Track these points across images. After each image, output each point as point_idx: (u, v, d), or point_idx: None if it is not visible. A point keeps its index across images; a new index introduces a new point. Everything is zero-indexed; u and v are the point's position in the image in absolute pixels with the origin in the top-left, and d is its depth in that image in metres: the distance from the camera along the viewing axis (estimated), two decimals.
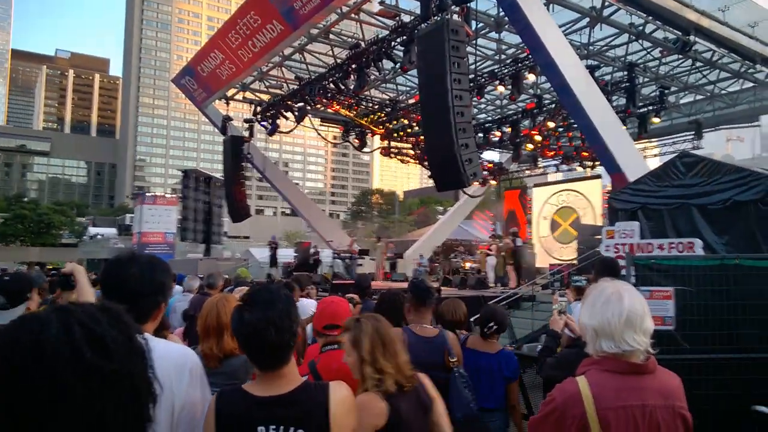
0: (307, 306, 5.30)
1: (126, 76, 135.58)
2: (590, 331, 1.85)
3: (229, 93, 21.07)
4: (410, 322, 3.68)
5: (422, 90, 11.75)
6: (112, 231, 51.10)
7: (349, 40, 16.58)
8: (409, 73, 16.11)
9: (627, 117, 15.85)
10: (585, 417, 1.76)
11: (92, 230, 54.45)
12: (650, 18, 14.14)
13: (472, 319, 5.16)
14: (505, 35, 15.90)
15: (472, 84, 13.99)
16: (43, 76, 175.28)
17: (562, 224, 20.65)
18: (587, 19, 14.40)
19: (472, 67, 15.61)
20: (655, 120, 17.43)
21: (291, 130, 20.79)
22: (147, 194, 40.29)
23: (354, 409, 1.88)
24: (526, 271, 15.94)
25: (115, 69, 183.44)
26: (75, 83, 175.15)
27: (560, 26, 12.84)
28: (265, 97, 21.10)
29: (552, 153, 23.08)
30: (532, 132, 19.19)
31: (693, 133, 20.31)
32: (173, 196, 39.60)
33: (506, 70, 15.49)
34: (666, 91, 17.34)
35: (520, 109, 19.39)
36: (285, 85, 19.91)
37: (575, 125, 16.73)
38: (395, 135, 21.99)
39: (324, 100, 18.29)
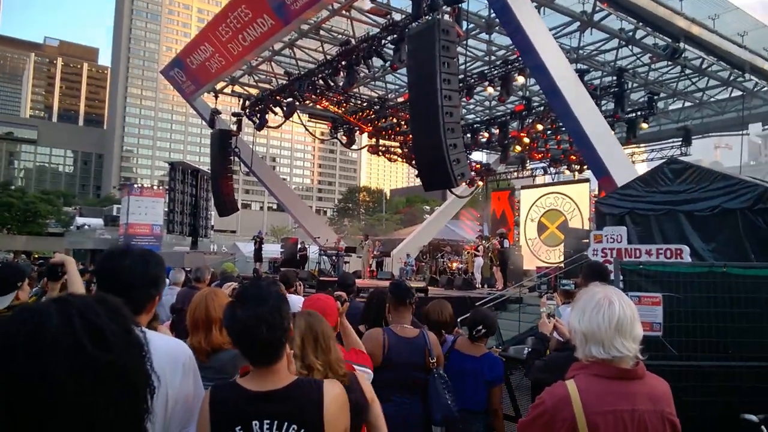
0: (294, 302, 5.22)
1: (115, 66, 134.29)
2: (580, 335, 1.85)
3: (218, 86, 20.98)
4: (391, 322, 3.67)
5: (411, 89, 11.73)
6: (98, 221, 50.52)
7: (340, 36, 16.52)
8: (398, 71, 16.08)
9: (615, 122, 15.93)
10: (574, 421, 1.76)
11: (79, 220, 53.80)
12: (640, 24, 14.21)
13: (459, 319, 5.15)
14: (496, 37, 15.90)
15: (461, 84, 13.99)
16: (31, 64, 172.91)
17: (550, 227, 20.72)
18: (578, 23, 14.44)
19: (462, 67, 15.60)
20: (644, 125, 17.55)
21: (279, 125, 20.69)
22: (134, 185, 39.90)
23: (347, 407, 1.89)
24: (512, 273, 15.97)
25: (104, 59, 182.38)
26: (63, 72, 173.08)
27: (551, 29, 12.85)
28: (254, 92, 20.98)
29: (540, 155, 23.16)
30: (521, 134, 19.23)
31: (681, 139, 20.49)
32: (160, 188, 39.27)
33: (496, 72, 15.51)
34: (655, 97, 17.44)
35: (508, 111, 19.44)
36: (274, 79, 19.82)
37: (564, 128, 16.78)
38: (383, 133, 21.95)
39: (313, 96, 18.22)
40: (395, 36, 13.13)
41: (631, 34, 14.84)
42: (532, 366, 3.44)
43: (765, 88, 17.72)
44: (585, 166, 20.61)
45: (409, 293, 3.70)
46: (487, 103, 21.98)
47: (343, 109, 20.22)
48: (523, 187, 23.99)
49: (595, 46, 16.17)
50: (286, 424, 1.76)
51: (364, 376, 2.72)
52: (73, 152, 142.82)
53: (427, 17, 11.28)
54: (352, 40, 15.18)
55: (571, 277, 7.06)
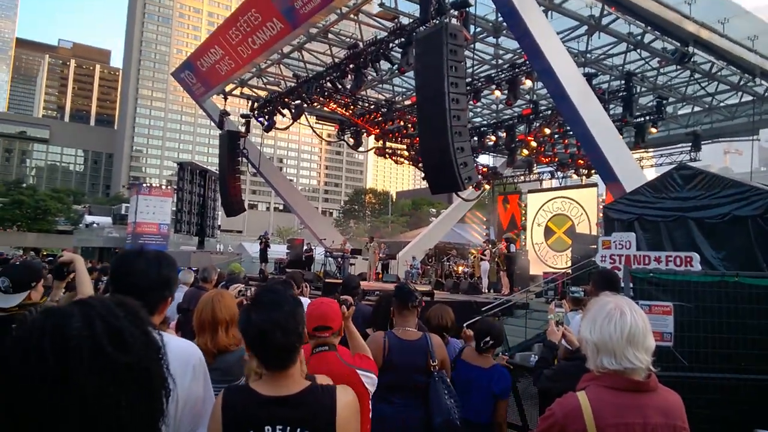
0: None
1: (126, 67, 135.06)
2: (591, 346, 1.82)
3: (227, 88, 21.10)
4: (395, 326, 3.65)
5: (419, 92, 11.72)
6: (107, 220, 50.82)
7: (348, 40, 16.56)
8: (405, 74, 16.07)
9: (624, 126, 15.83)
10: None
11: (88, 218, 54.15)
12: (649, 28, 14.13)
13: (466, 324, 5.12)
14: (503, 40, 15.87)
15: (468, 88, 13.96)
16: (45, 65, 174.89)
17: (557, 232, 20.59)
18: (585, 27, 14.38)
19: (470, 70, 15.59)
20: (653, 130, 17.41)
21: (287, 127, 20.76)
22: (143, 185, 40.09)
23: (359, 414, 1.90)
24: (519, 278, 15.87)
25: (116, 60, 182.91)
26: (76, 73, 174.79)
27: (558, 33, 12.82)
28: (263, 94, 21.10)
29: (547, 159, 23.06)
30: (528, 137, 19.15)
31: (690, 144, 20.30)
32: (168, 187, 39.44)
33: (503, 75, 15.47)
34: (664, 102, 17.30)
35: (516, 114, 19.37)
36: (283, 82, 19.90)
37: (571, 132, 16.70)
38: (390, 136, 21.95)
39: (321, 99, 18.27)
40: (403, 39, 13.13)
41: (639, 38, 14.76)
42: (541, 375, 3.41)
43: None
44: (593, 171, 20.52)
45: (413, 297, 3.67)
46: (494, 107, 21.94)
47: (350, 111, 20.24)
48: (530, 191, 23.87)
49: (603, 50, 16.10)
50: (298, 429, 1.75)
51: (368, 380, 2.70)
52: (83, 151, 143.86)
53: (434, 21, 11.30)
54: (360, 44, 15.20)
55: (579, 283, 7.01)
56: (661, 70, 16.95)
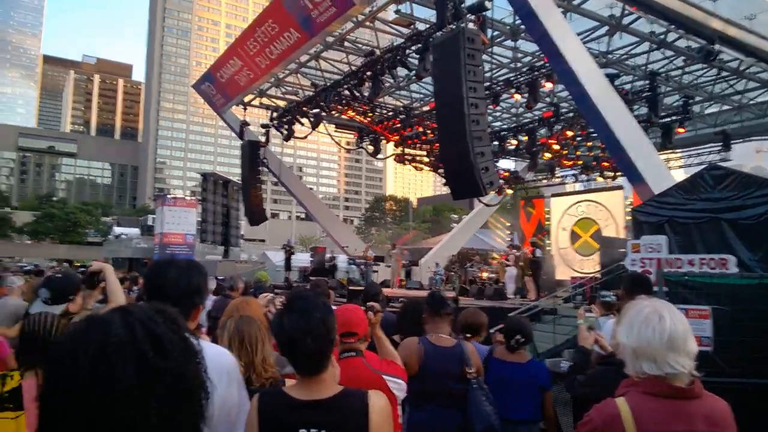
0: None
1: (148, 81, 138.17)
2: (629, 351, 1.77)
3: (247, 98, 21.32)
4: (427, 332, 3.66)
5: (437, 98, 11.67)
6: (135, 231, 51.85)
7: (365, 47, 16.65)
8: (423, 80, 16.03)
9: (649, 127, 15.51)
10: None
11: (117, 230, 55.36)
12: (672, 26, 13.82)
13: (492, 330, 5.05)
14: (521, 43, 15.70)
15: (487, 92, 13.85)
16: (71, 81, 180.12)
17: (583, 236, 20.24)
18: (606, 27, 14.15)
19: (488, 75, 15.46)
20: (680, 130, 17.01)
21: (306, 136, 20.90)
22: (167, 196, 40.69)
23: (391, 419, 1.92)
24: (545, 283, 15.61)
25: (138, 74, 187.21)
26: (100, 88, 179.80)
27: (578, 34, 12.64)
28: (282, 103, 21.30)
29: (570, 162, 22.73)
30: (550, 141, 18.90)
31: (720, 144, 19.79)
32: (192, 198, 39.97)
33: (522, 79, 15.31)
34: (690, 101, 16.91)
35: (536, 118, 19.15)
36: (301, 91, 20.04)
37: (594, 134, 16.43)
38: (409, 142, 21.92)
39: (339, 107, 18.37)
40: (420, 45, 13.11)
41: (662, 37, 14.46)
42: (575, 380, 3.36)
43: None
44: (618, 173, 20.16)
45: (445, 304, 3.71)
46: (514, 110, 21.73)
47: (368, 118, 20.28)
48: (553, 195, 23.57)
49: (625, 50, 15.81)
50: None
51: (394, 386, 2.71)
52: (110, 165, 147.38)
53: (451, 26, 11.23)
54: (377, 51, 15.25)
55: (609, 288, 6.83)
56: (687, 69, 16.57)
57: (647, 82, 15.72)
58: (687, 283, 4.23)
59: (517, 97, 15.57)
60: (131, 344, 0.86)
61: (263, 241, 74.82)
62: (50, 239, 69.32)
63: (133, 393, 0.82)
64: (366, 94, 15.77)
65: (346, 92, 16.47)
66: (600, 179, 23.07)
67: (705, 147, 21.10)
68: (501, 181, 21.65)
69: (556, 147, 19.29)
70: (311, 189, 36.23)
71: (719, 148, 19.86)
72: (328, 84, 17.42)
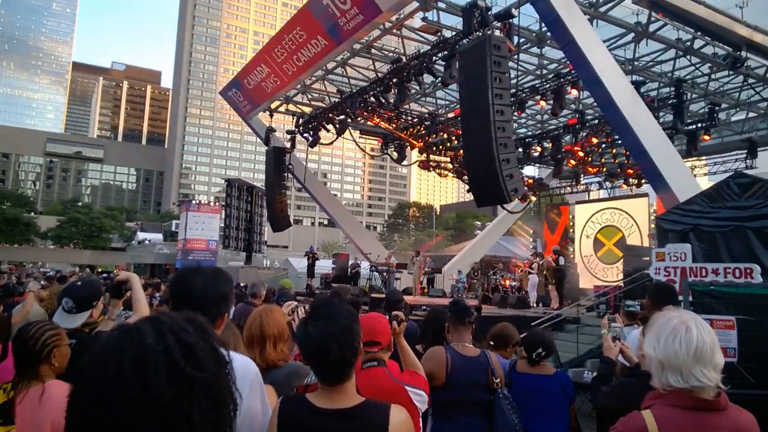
0: None
1: (176, 87, 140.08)
2: (656, 363, 1.76)
3: (273, 105, 21.54)
4: (450, 341, 3.61)
5: (463, 104, 11.69)
6: (158, 236, 52.43)
7: (391, 54, 16.75)
8: (449, 87, 16.09)
9: (675, 134, 15.36)
10: None
11: (140, 235, 56.01)
12: (698, 33, 13.73)
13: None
14: (547, 50, 15.73)
15: (513, 99, 13.86)
16: (100, 87, 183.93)
17: (606, 244, 20.05)
18: (632, 35, 14.10)
19: (514, 81, 15.46)
20: (705, 138, 16.78)
21: (332, 142, 21.05)
22: (192, 202, 41.21)
23: None
24: (568, 292, 15.51)
25: (166, 81, 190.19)
26: (128, 94, 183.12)
27: (604, 41, 12.60)
28: (308, 110, 21.47)
29: (595, 169, 22.56)
30: (575, 148, 18.81)
31: (746, 151, 19.48)
32: (216, 204, 40.45)
33: (548, 85, 15.27)
34: (716, 108, 16.69)
35: (561, 124, 19.07)
36: (327, 98, 20.21)
37: (619, 141, 16.31)
38: (434, 148, 21.96)
39: (364, 113, 18.47)
40: (446, 53, 13.18)
41: (688, 44, 14.37)
42: (599, 392, 3.32)
43: None
44: (643, 180, 19.95)
45: (468, 312, 3.65)
46: (539, 117, 21.67)
47: (394, 125, 20.37)
48: (577, 202, 23.38)
49: (651, 57, 15.73)
50: None
51: (417, 398, 2.67)
52: (135, 170, 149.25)
53: (477, 33, 11.28)
54: (403, 58, 15.35)
55: (633, 297, 6.82)
56: (713, 76, 16.40)
57: (673, 89, 15.57)
58: (712, 293, 4.23)
59: (543, 103, 15.51)
60: (163, 353, 0.86)
61: (286, 247, 75.34)
62: (74, 244, 69.51)
63: (164, 401, 0.83)
64: (392, 100, 15.84)
65: (372, 99, 16.58)
66: (625, 186, 22.84)
67: (731, 155, 20.76)
68: (525, 189, 21.60)
69: (581, 154, 19.17)
70: (335, 195, 36.32)
71: (745, 155, 19.55)
72: (354, 90, 17.55)
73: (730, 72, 15.35)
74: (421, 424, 2.81)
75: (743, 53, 13.42)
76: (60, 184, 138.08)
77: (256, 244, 29.05)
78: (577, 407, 4.41)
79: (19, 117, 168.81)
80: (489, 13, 11.50)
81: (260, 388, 1.92)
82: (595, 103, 15.70)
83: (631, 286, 10.17)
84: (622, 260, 15.81)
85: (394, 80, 15.08)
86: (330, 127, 19.89)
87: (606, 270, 19.54)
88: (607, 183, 23.72)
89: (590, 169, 22.44)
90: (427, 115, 20.49)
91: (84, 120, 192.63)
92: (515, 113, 16.27)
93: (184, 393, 0.85)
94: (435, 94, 19.78)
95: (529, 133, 21.98)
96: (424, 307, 10.33)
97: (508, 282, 19.07)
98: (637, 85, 13.78)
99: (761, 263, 6.13)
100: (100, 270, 46.79)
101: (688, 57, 15.00)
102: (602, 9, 13.08)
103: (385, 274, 19.23)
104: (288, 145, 22.31)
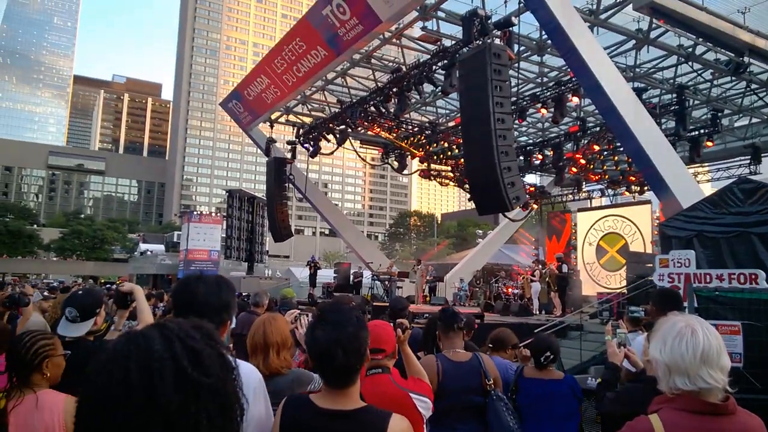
0: None
1: (176, 99, 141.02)
2: (662, 367, 1.75)
3: (273, 116, 21.64)
4: (442, 348, 3.65)
5: (463, 113, 11.71)
6: (160, 247, 52.69)
7: (391, 64, 16.83)
8: (449, 96, 16.13)
9: (678, 141, 15.34)
10: None
11: (142, 246, 56.24)
12: (700, 39, 13.74)
13: (521, 345, 5.04)
14: (548, 58, 15.77)
15: (514, 107, 13.87)
16: (101, 100, 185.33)
17: (609, 251, 20.00)
18: (633, 42, 14.13)
19: (514, 90, 15.48)
20: (708, 144, 16.77)
21: (332, 152, 21.10)
22: (193, 213, 41.34)
23: None
24: (571, 299, 15.45)
25: (167, 93, 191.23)
26: (129, 106, 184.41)
27: (605, 48, 12.63)
28: (308, 120, 21.55)
29: (597, 177, 22.55)
30: (576, 155, 18.81)
31: (749, 157, 19.45)
32: (218, 214, 40.54)
33: (549, 93, 15.30)
34: (719, 114, 16.67)
35: (562, 132, 19.09)
36: (327, 108, 20.27)
37: (621, 149, 16.30)
38: (435, 157, 21.99)
39: (365, 123, 18.51)
40: (446, 61, 13.22)
41: (690, 50, 14.39)
42: (604, 397, 3.31)
43: None
44: (645, 187, 19.92)
45: (457, 318, 3.68)
46: (540, 125, 21.70)
47: (394, 134, 20.41)
48: (579, 210, 23.35)
49: (652, 64, 15.76)
50: None
51: (421, 404, 2.67)
52: (137, 182, 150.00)
53: (477, 42, 11.32)
54: (403, 67, 15.41)
55: (637, 303, 6.76)
56: (715, 82, 16.42)
57: (675, 95, 15.59)
58: (718, 299, 4.19)
59: (544, 111, 15.52)
60: (170, 359, 0.87)
61: (287, 257, 75.30)
62: (77, 256, 70.14)
63: (171, 408, 0.83)
64: (392, 110, 15.88)
65: (372, 108, 16.63)
66: (627, 194, 22.81)
67: (734, 161, 20.74)
68: (527, 197, 21.58)
69: (583, 161, 19.16)
70: (336, 205, 36.36)
71: (749, 161, 19.52)
72: (354, 100, 17.63)
73: (733, 78, 15.38)
74: (425, 431, 2.79)
75: (746, 59, 13.44)
76: (62, 197, 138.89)
77: (257, 254, 29.09)
78: (582, 413, 4.39)
79: (22, 131, 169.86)
80: (489, 21, 11.54)
81: (264, 394, 1.96)
82: (597, 111, 15.72)
83: (635, 293, 10.11)
84: (625, 267, 15.74)
85: (394, 90, 15.12)
86: (330, 137, 19.97)
87: (609, 277, 19.47)
88: (610, 190, 23.71)
89: (592, 176, 22.43)
90: (427, 124, 20.54)
91: (85, 133, 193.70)
92: (516, 121, 16.31)
93: (192, 399, 0.85)
94: (435, 103, 19.84)
95: (530, 141, 22.02)
96: (427, 315, 10.28)
97: (510, 290, 19.01)
98: (638, 91, 13.80)
99: (766, 269, 6.08)
100: (103, 281, 46.80)
101: (690, 63, 15.04)
102: (603, 16, 13.13)
103: (386, 282, 19.18)
104: (289, 155, 22.40)
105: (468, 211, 76.20)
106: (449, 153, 21.13)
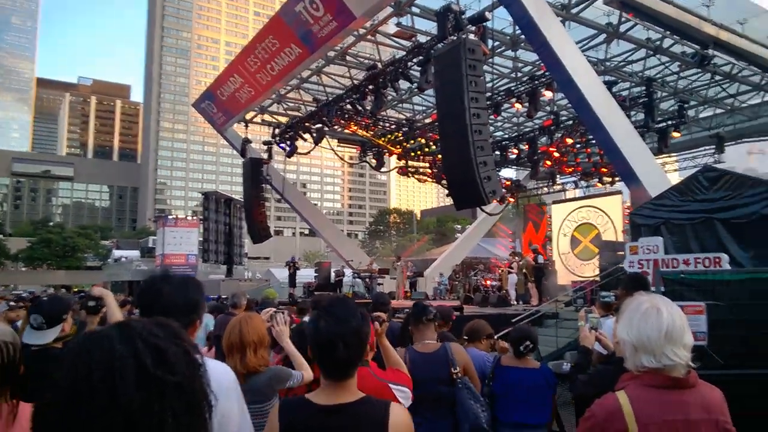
0: None
1: (147, 101, 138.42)
2: (629, 346, 1.82)
3: (248, 116, 21.41)
4: (414, 341, 3.73)
5: (439, 109, 11.82)
6: (135, 254, 51.88)
7: (366, 61, 16.79)
8: (425, 92, 16.24)
9: (646, 132, 15.74)
10: None
11: (116, 253, 55.29)
12: (668, 33, 14.12)
13: (498, 336, 5.16)
14: (521, 53, 15.96)
15: (488, 102, 14.04)
16: (66, 103, 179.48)
17: (583, 241, 20.45)
18: (604, 35, 14.42)
19: (489, 85, 15.70)
20: (675, 134, 17.23)
21: (309, 152, 21.02)
22: (168, 217, 40.82)
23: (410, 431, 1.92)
24: (548, 289, 15.77)
25: (136, 95, 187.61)
26: (97, 109, 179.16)
27: (576, 42, 12.86)
28: (284, 120, 21.39)
29: (570, 169, 22.98)
30: (550, 149, 19.13)
31: (714, 147, 20.08)
32: (194, 218, 40.09)
33: (523, 88, 15.52)
34: (685, 105, 17.15)
35: (537, 126, 19.40)
36: (303, 107, 20.20)
37: (593, 141, 16.65)
38: (412, 154, 22.11)
39: (341, 121, 18.51)
40: (421, 58, 13.27)
41: (658, 43, 14.74)
42: (577, 380, 3.43)
43: None
44: (617, 178, 20.38)
45: (426, 311, 3.76)
46: (515, 120, 21.98)
47: (371, 132, 20.46)
48: (554, 202, 23.77)
49: (622, 57, 16.09)
50: None
51: (401, 394, 2.71)
52: (108, 187, 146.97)
53: (452, 37, 11.42)
54: (379, 64, 15.41)
55: (608, 289, 6.99)
56: (682, 74, 16.87)
57: (644, 88, 15.96)
58: (683, 281, 4.40)
59: (518, 106, 15.72)
60: (131, 358, 0.85)
61: (267, 258, 74.76)
62: (47, 265, 68.19)
63: (133, 407, 0.82)
64: (368, 107, 15.91)
65: (349, 106, 16.62)
66: (599, 185, 23.30)
67: (699, 150, 21.42)
68: (503, 191, 21.87)
69: (557, 155, 19.51)
70: (315, 205, 36.26)
71: (713, 150, 20.15)
72: (330, 99, 17.56)
73: (699, 70, 15.81)
74: None
75: (710, 51, 13.83)
76: (29, 205, 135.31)
77: (236, 257, 28.89)
78: (557, 397, 4.56)
79: None
80: (463, 16, 11.65)
81: (237, 393, 1.90)
82: (569, 104, 16.00)
83: (607, 280, 10.36)
84: (598, 256, 16.10)
85: (370, 87, 15.13)
86: (307, 136, 19.88)
87: (583, 266, 19.90)
88: (583, 182, 24.17)
89: (566, 169, 22.86)
90: (404, 121, 20.63)
91: (52, 138, 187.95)
92: (491, 116, 16.55)
93: (155, 397, 0.84)
94: (412, 100, 19.92)
95: (506, 135, 22.29)
96: (407, 310, 10.42)
97: (488, 282, 19.26)
98: (609, 85, 14.10)
99: (729, 252, 6.36)
100: (76, 289, 45.89)
101: (658, 56, 15.40)
102: (574, 11, 13.33)
103: (367, 280, 19.27)
104: (265, 156, 22.21)
105: (447, 207, 76.78)
106: (426, 149, 21.28)
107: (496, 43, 14.99)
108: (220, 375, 1.79)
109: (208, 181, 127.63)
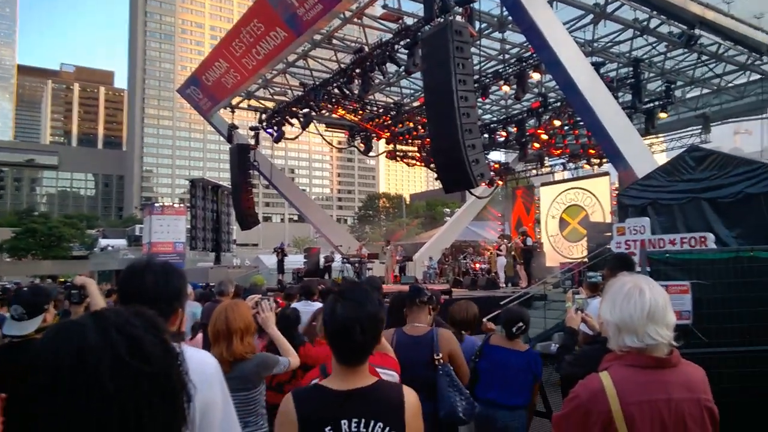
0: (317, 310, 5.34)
1: (131, 88, 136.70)
2: (612, 326, 1.83)
3: (234, 101, 21.21)
4: (407, 323, 3.69)
5: (427, 92, 11.77)
6: (122, 242, 51.61)
7: (353, 44, 16.65)
8: (413, 75, 16.12)
9: (634, 113, 15.78)
10: (610, 412, 1.74)
11: (103, 242, 54.96)
12: (654, 13, 14.11)
13: (488, 317, 5.17)
14: (509, 35, 15.89)
15: (476, 84, 13.98)
16: (49, 91, 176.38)
17: (571, 222, 20.56)
18: (591, 16, 14.38)
19: (477, 67, 15.61)
20: (662, 115, 17.28)
21: (296, 137, 20.89)
22: (155, 204, 40.49)
23: (421, 416, 1.94)
24: (536, 270, 15.88)
25: (120, 81, 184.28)
26: (80, 96, 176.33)
27: (564, 23, 12.82)
28: (270, 105, 21.19)
29: (558, 151, 23.03)
30: (538, 131, 19.14)
31: (700, 127, 20.19)
32: (181, 205, 39.80)
33: (510, 70, 15.46)
34: (672, 86, 17.17)
35: (525, 109, 19.38)
36: (289, 91, 20.01)
37: (581, 123, 16.68)
38: (400, 138, 22.03)
39: (329, 106, 18.38)
40: (408, 40, 13.18)
41: (645, 23, 14.73)
42: (563, 361, 3.43)
43: None
44: (604, 160, 20.48)
45: (420, 293, 3.73)
46: (503, 102, 21.95)
47: (359, 116, 20.33)
48: (542, 184, 23.86)
49: (609, 38, 16.09)
50: (372, 422, 1.80)
51: (388, 378, 2.67)
52: (93, 175, 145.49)
53: (439, 19, 11.32)
54: (366, 48, 15.28)
55: (596, 270, 7.05)
56: (669, 55, 16.90)
57: (631, 69, 15.97)
58: (668, 261, 4.42)
59: (506, 88, 15.65)
60: (106, 348, 0.84)
61: (256, 245, 74.63)
62: (32, 255, 67.08)
63: (108, 397, 0.81)
64: (356, 91, 15.79)
65: (336, 90, 16.50)
66: (587, 167, 23.40)
67: (686, 130, 21.55)
68: (492, 173, 21.91)
69: (545, 137, 19.52)
70: (304, 190, 36.12)
71: (699, 131, 20.27)
72: (317, 83, 17.41)
73: (685, 50, 15.84)
74: None
75: (697, 31, 13.86)
76: (13, 194, 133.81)
77: (225, 244, 28.72)
78: (545, 378, 4.59)
79: None
80: None
81: (220, 381, 1.86)
82: (557, 86, 15.98)
83: (595, 261, 10.44)
84: (586, 237, 16.23)
85: (357, 71, 15.04)
86: (294, 121, 19.76)
87: (571, 248, 20.03)
88: (571, 164, 24.26)
89: (554, 151, 22.90)
90: (392, 105, 20.52)
91: (35, 126, 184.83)
92: (479, 99, 16.49)
93: (131, 387, 0.83)
94: (399, 83, 19.78)
95: (494, 118, 22.28)
96: (393, 294, 10.44)
97: (478, 265, 19.34)
98: (596, 66, 14.09)
99: (715, 232, 6.42)
100: (62, 280, 45.55)
101: (645, 37, 15.41)
102: None
103: (357, 265, 19.29)
104: (252, 141, 22.04)
105: (436, 191, 76.76)
106: (415, 133, 21.22)
107: (484, 25, 14.90)
108: (201, 364, 1.76)
109: (195, 168, 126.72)
